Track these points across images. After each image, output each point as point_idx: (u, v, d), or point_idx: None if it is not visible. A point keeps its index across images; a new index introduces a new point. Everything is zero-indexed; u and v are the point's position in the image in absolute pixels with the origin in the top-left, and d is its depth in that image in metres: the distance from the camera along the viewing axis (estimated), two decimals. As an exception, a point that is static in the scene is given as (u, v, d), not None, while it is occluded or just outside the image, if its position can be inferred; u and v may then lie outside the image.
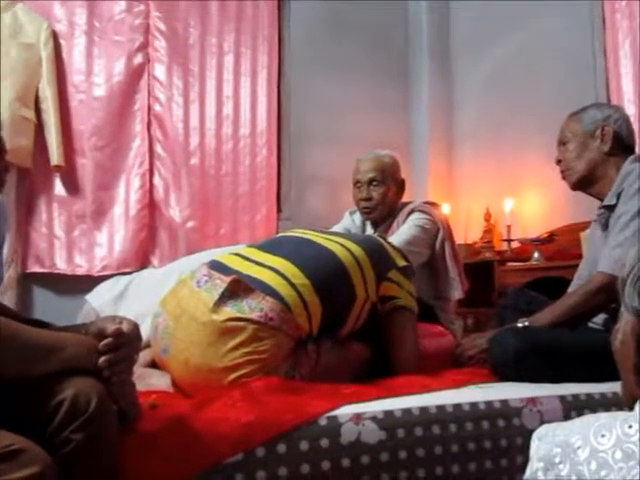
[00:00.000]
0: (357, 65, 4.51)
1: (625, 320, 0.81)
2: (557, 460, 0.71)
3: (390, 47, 4.68)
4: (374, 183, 2.58)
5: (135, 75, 3.84)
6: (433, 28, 4.71)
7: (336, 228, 2.70)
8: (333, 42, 4.44)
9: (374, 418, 1.34)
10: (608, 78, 3.54)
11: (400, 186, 2.67)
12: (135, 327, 1.12)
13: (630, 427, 0.67)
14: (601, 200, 2.06)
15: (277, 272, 1.65)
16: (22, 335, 1.00)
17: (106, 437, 1.00)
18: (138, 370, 1.63)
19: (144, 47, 3.87)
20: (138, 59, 3.85)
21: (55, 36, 3.64)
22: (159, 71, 3.91)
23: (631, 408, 0.75)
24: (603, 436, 0.68)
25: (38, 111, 3.52)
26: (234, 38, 4.09)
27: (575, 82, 3.74)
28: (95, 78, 3.75)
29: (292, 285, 1.62)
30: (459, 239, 3.55)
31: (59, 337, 1.06)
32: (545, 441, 0.74)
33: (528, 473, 0.76)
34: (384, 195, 2.59)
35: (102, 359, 1.05)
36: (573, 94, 3.49)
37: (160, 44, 3.91)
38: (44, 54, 3.53)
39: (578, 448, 0.69)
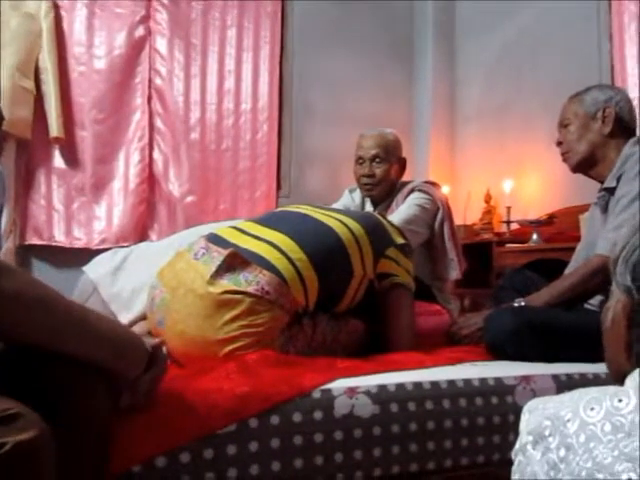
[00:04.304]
0: (361, 43, 4.48)
1: (616, 298, 0.81)
2: (547, 433, 0.71)
3: (395, 25, 4.65)
4: (377, 160, 2.57)
5: (136, 48, 3.82)
6: (438, 8, 4.68)
7: (335, 206, 2.70)
8: (337, 19, 4.41)
9: (368, 392, 1.35)
10: (613, 61, 3.52)
11: (402, 165, 2.66)
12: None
13: (620, 401, 0.68)
14: (601, 182, 2.06)
15: (274, 246, 1.65)
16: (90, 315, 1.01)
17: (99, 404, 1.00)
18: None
19: (146, 20, 3.85)
20: (139, 32, 3.83)
21: (56, 7, 3.62)
22: (160, 44, 3.89)
23: (620, 384, 0.76)
24: (592, 409, 0.68)
25: (38, 82, 3.50)
26: (237, 12, 4.07)
27: (579, 65, 3.71)
28: (96, 50, 3.73)
29: (289, 259, 1.62)
30: (458, 220, 3.55)
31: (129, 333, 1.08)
32: (535, 414, 0.74)
33: (517, 446, 0.76)
34: (386, 172, 2.58)
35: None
36: (577, 77, 3.47)
37: (162, 17, 3.88)
38: (45, 25, 3.51)
39: (568, 421, 0.69)
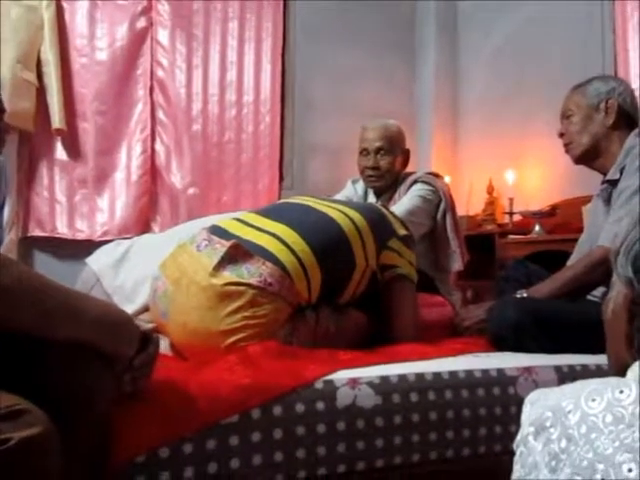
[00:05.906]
0: (363, 34, 4.46)
1: (617, 290, 0.81)
2: (548, 424, 0.71)
3: (397, 16, 4.64)
4: (382, 152, 2.57)
5: (138, 39, 3.81)
6: (441, -2, 4.66)
7: (338, 197, 2.70)
8: (339, 10, 4.40)
9: (370, 383, 1.35)
10: (616, 51, 3.51)
11: (405, 156, 2.66)
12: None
13: (621, 392, 0.68)
14: (604, 174, 2.05)
15: (277, 238, 1.65)
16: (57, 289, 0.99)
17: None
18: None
19: (147, 11, 3.84)
20: (141, 23, 3.82)
21: (57, -2, 3.60)
22: (162, 36, 3.88)
23: (621, 376, 0.76)
24: (594, 400, 0.68)
25: (40, 74, 3.50)
26: (239, 4, 4.05)
27: (582, 55, 3.70)
28: (97, 42, 3.73)
29: (292, 251, 1.62)
30: (461, 211, 3.55)
31: (107, 305, 1.06)
32: (537, 405, 0.74)
33: (519, 437, 0.77)
34: (391, 164, 2.59)
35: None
36: (580, 67, 3.45)
37: (164, 8, 3.87)
38: (46, 16, 3.50)
39: (569, 412, 0.69)
